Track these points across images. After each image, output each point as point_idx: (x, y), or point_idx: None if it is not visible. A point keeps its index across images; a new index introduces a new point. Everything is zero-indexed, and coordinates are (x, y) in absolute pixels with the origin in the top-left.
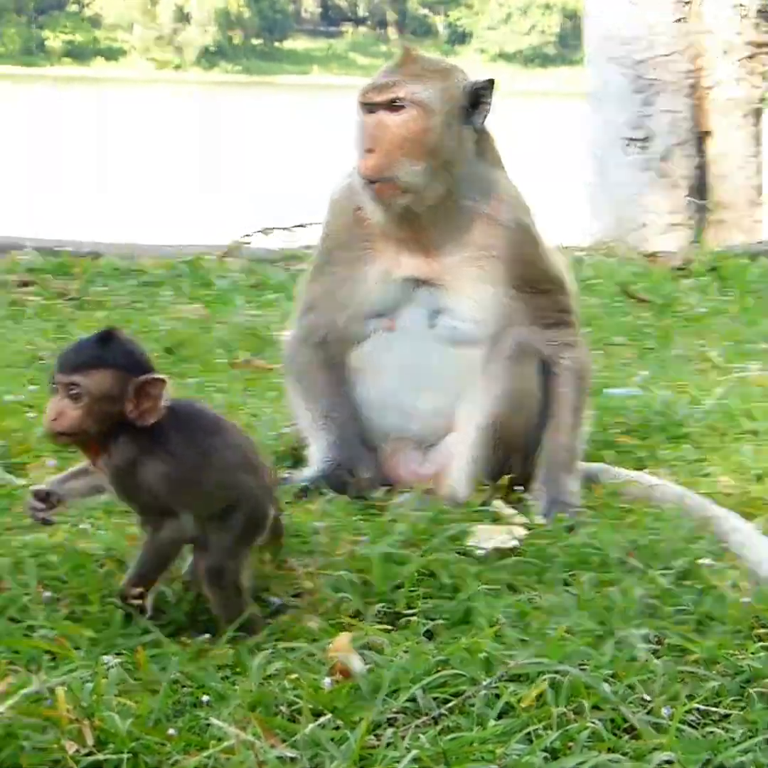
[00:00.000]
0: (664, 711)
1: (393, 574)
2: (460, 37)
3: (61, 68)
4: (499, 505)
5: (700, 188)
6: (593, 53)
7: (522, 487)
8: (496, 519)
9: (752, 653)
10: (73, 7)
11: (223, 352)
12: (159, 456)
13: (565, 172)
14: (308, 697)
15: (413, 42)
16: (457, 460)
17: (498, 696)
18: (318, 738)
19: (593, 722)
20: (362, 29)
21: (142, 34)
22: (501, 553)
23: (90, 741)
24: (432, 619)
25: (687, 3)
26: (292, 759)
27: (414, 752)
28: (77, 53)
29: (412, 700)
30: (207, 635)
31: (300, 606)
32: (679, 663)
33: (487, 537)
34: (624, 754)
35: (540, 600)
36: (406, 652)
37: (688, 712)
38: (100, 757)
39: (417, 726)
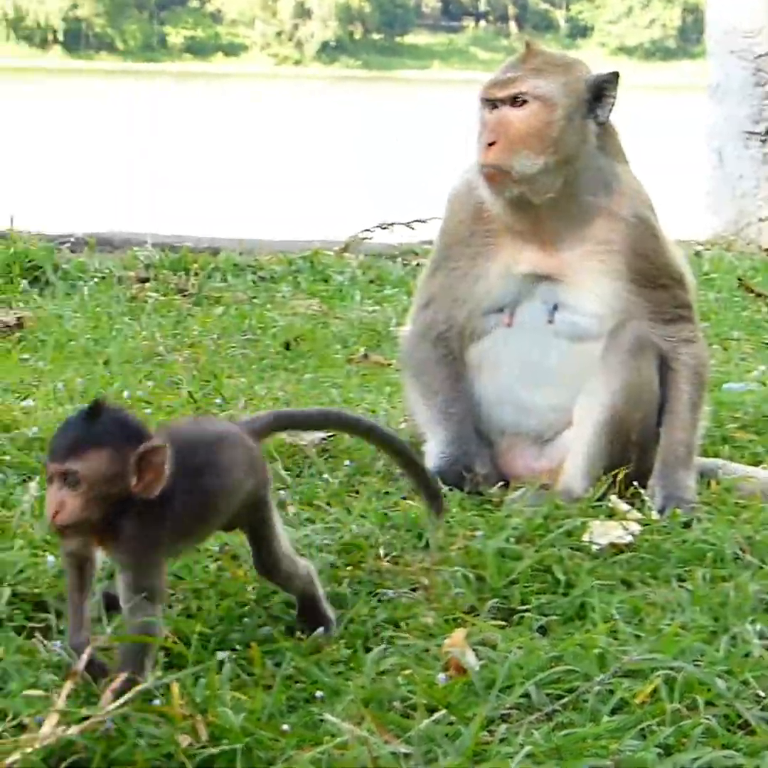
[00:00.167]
0: None
1: (507, 570)
2: (580, 31)
3: (181, 64)
4: (614, 500)
5: None
6: (714, 47)
7: (638, 483)
8: (612, 514)
9: None
10: (195, 3)
11: (341, 348)
12: (172, 513)
13: (684, 165)
14: (422, 692)
15: (533, 36)
16: (573, 456)
17: (612, 692)
18: (432, 734)
19: (707, 718)
20: (483, 24)
21: (263, 30)
22: (616, 548)
23: (204, 736)
24: (546, 615)
25: None
26: (406, 755)
27: (527, 748)
28: (198, 49)
29: (526, 696)
30: (321, 630)
31: (417, 600)
32: None
33: (602, 532)
34: (738, 750)
35: (654, 596)
36: (520, 648)
37: None
38: (214, 751)
39: (530, 722)
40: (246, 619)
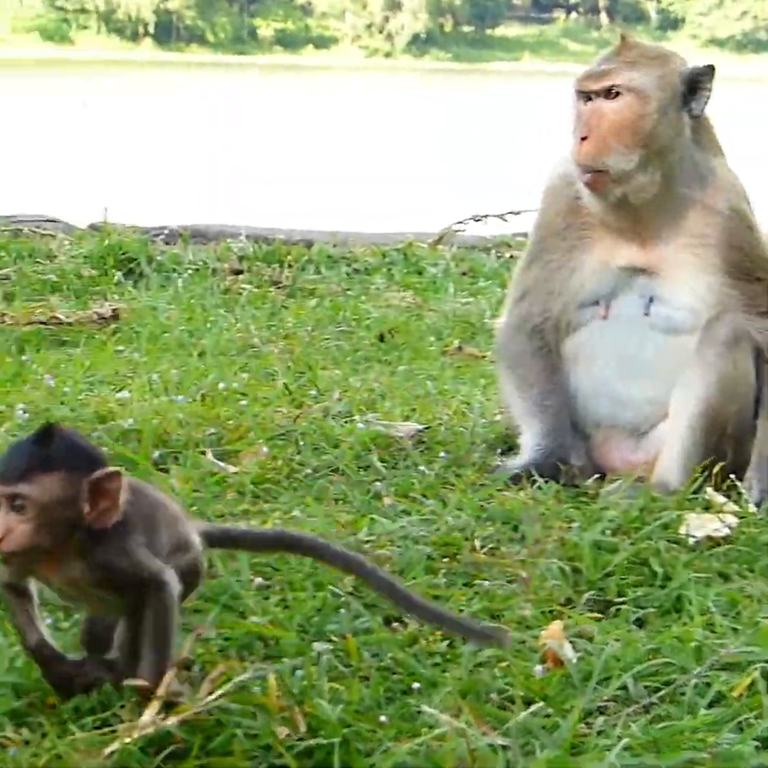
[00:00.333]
0: None
1: (604, 562)
2: (671, 23)
3: (271, 57)
4: (711, 493)
5: None
6: None
7: (734, 475)
8: (708, 507)
9: None
10: None
11: (434, 340)
12: (126, 532)
13: None
14: (519, 684)
15: (624, 28)
16: (669, 448)
17: (709, 685)
18: (529, 726)
19: None
20: (574, 15)
21: (353, 22)
22: (713, 541)
23: (301, 728)
24: (642, 608)
25: None
26: (504, 747)
27: (625, 740)
28: (288, 42)
29: (623, 688)
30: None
31: (513, 592)
32: None
33: (698, 525)
34: None
35: (751, 589)
36: (616, 640)
37: None
38: (312, 743)
39: (628, 714)
40: (342, 611)
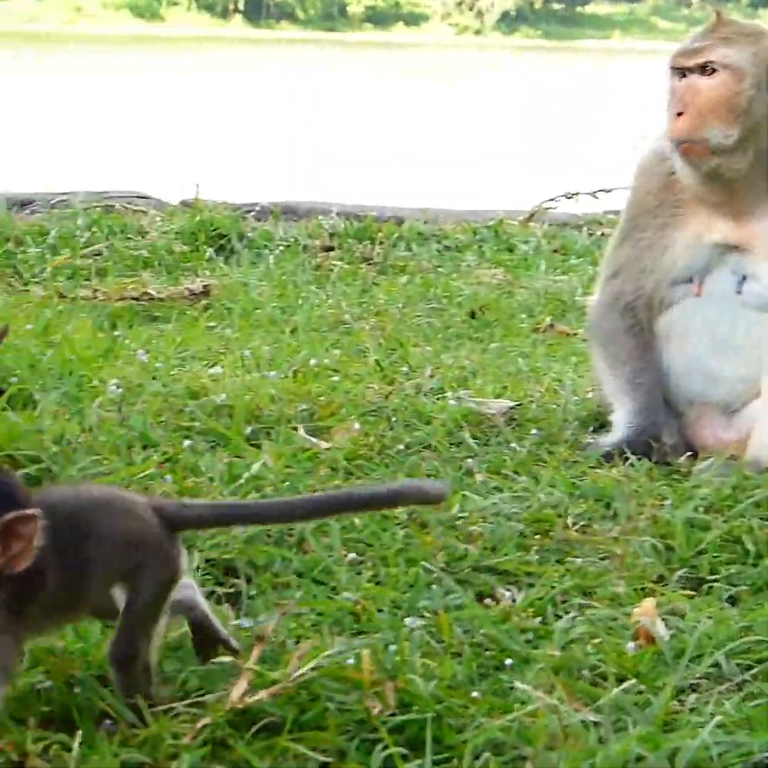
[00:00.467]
0: None
1: (696, 540)
2: (762, 1)
3: (361, 34)
4: None
5: None
6: None
7: None
8: None
9: None
10: None
11: (526, 317)
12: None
13: None
14: (612, 661)
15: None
16: (762, 426)
17: None
18: (621, 703)
19: None
20: None
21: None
22: None
23: (393, 703)
24: (735, 585)
25: None
26: (596, 723)
27: (718, 718)
28: (378, 19)
29: (716, 665)
30: (507, 594)
31: (605, 569)
32: None
33: None
34: None
35: None
36: (709, 617)
37: None
38: (404, 718)
39: (720, 692)
40: (434, 587)
